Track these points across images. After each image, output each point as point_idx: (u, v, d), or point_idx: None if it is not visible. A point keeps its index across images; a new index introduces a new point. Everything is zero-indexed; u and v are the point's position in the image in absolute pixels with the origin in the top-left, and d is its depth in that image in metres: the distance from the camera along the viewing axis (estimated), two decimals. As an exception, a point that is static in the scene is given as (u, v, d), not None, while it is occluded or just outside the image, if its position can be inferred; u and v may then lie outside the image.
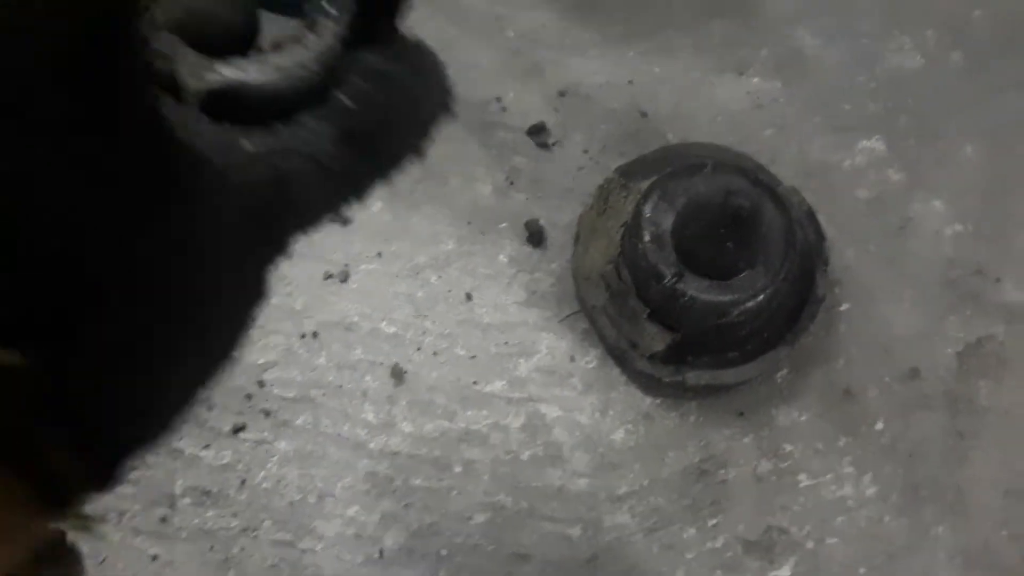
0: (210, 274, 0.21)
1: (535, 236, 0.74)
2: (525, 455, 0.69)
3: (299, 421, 0.68)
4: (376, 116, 0.23)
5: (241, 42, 0.24)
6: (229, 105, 0.22)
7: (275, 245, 0.23)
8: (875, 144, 0.76)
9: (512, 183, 0.75)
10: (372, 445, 0.68)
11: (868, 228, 0.74)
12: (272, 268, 0.23)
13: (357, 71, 0.23)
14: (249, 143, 0.22)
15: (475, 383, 0.72)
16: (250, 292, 0.23)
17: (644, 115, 0.78)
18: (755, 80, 0.79)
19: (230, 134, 0.22)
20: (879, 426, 0.70)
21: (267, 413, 0.68)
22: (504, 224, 0.74)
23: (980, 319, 0.72)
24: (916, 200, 0.75)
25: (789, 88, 0.78)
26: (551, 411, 0.70)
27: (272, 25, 0.25)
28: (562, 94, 0.79)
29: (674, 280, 0.63)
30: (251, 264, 0.23)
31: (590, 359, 0.72)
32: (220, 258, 0.21)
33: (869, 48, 0.79)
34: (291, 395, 0.69)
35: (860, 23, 0.79)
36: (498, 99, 0.78)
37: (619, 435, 0.70)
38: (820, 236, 0.70)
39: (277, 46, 0.24)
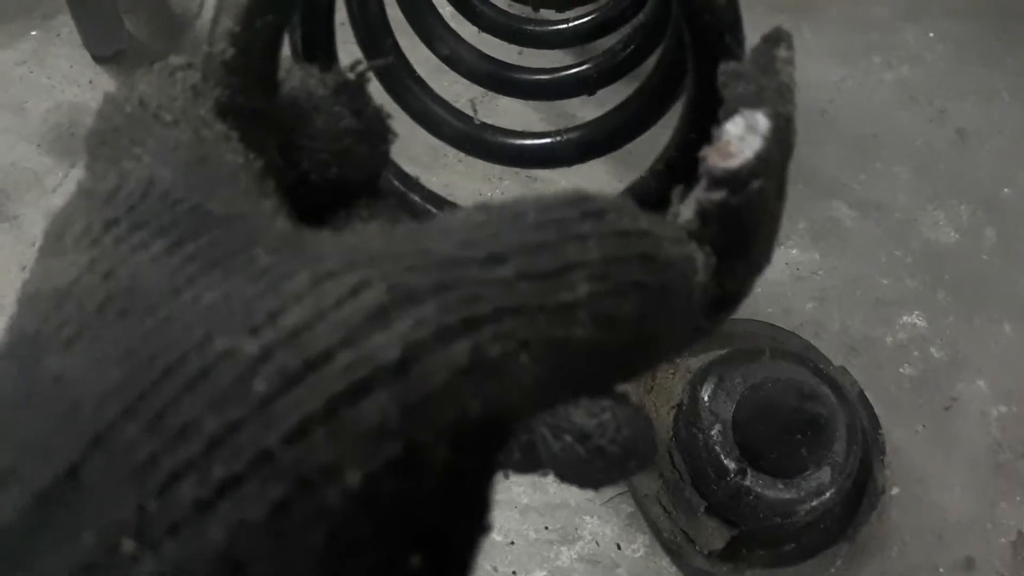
0: None
1: (575, 408, 0.71)
2: (573, 660, 0.64)
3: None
4: (567, 466, 0.21)
5: None
6: None
7: None
8: (916, 320, 0.76)
9: (553, 354, 0.73)
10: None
11: (915, 408, 0.73)
12: None
13: (584, 412, 0.21)
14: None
15: (514, 573, 0.67)
16: None
17: (684, 282, 0.76)
18: (794, 251, 0.78)
19: None
20: (937, 622, 0.67)
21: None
22: (545, 397, 0.71)
23: (1032, 507, 0.70)
24: (960, 379, 0.74)
25: (827, 260, 0.78)
26: (597, 606, 0.66)
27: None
28: (599, 257, 0.77)
29: (739, 477, 0.60)
30: None
31: (637, 547, 0.68)
32: None
33: (904, 221, 0.79)
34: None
35: (895, 195, 0.80)
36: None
37: (670, 634, 0.65)
38: (875, 422, 0.68)
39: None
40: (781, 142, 0.17)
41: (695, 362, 0.67)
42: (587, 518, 0.68)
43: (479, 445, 0.13)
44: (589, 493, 0.69)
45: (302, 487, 0.12)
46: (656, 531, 0.66)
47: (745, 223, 0.18)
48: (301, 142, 0.21)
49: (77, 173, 0.78)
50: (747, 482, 0.60)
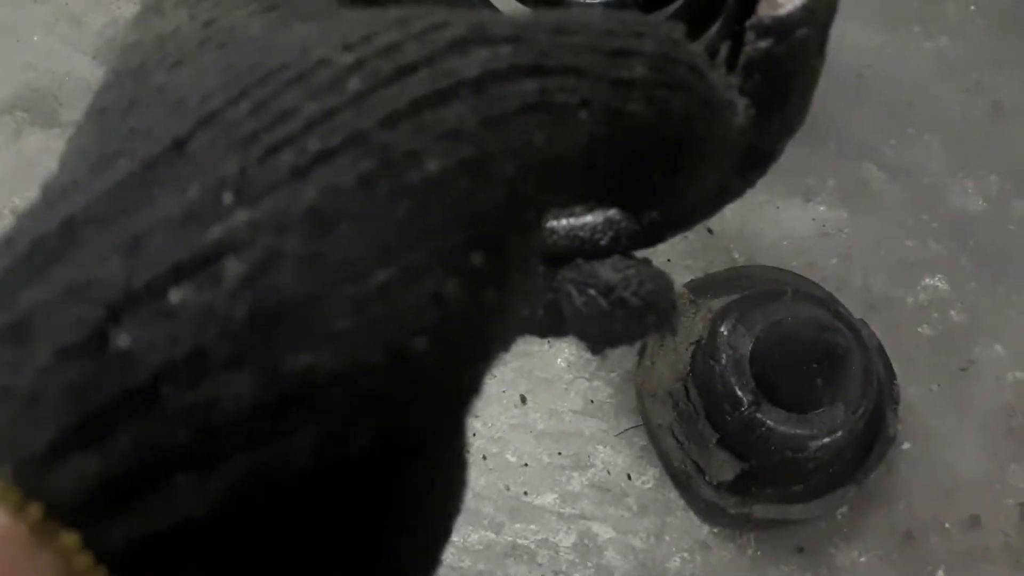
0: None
1: (595, 344, 0.72)
2: (577, 578, 0.65)
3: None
4: (589, 321, 0.22)
5: None
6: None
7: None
8: (938, 283, 0.76)
9: (577, 288, 0.74)
10: (417, 554, 0.64)
11: (931, 367, 0.74)
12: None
13: (610, 267, 0.22)
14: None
15: (525, 494, 0.68)
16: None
17: (710, 232, 0.77)
18: (821, 208, 0.79)
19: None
20: (939, 574, 0.68)
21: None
22: (566, 329, 0.72)
23: (1042, 471, 0.71)
24: (978, 343, 0.75)
25: (855, 219, 0.79)
26: (604, 531, 0.67)
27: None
28: (628, 202, 0.78)
29: (752, 409, 0.61)
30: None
31: (647, 479, 0.69)
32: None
33: (933, 187, 0.80)
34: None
35: (926, 162, 0.81)
36: (564, 201, 0.78)
37: (674, 563, 0.66)
38: (891, 373, 0.69)
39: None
40: None
41: (717, 303, 0.69)
42: (600, 447, 0.70)
43: (540, 179, 0.15)
44: (604, 424, 0.70)
45: (387, 165, 0.13)
46: (667, 461, 0.67)
47: (786, 73, 0.19)
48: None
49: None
50: (760, 415, 0.62)
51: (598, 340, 0.22)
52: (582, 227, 0.22)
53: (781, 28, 0.18)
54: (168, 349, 0.12)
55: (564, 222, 0.22)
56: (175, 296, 0.12)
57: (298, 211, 0.13)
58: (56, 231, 0.13)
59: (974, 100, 0.83)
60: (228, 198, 0.13)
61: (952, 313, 0.76)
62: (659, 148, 0.17)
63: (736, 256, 0.77)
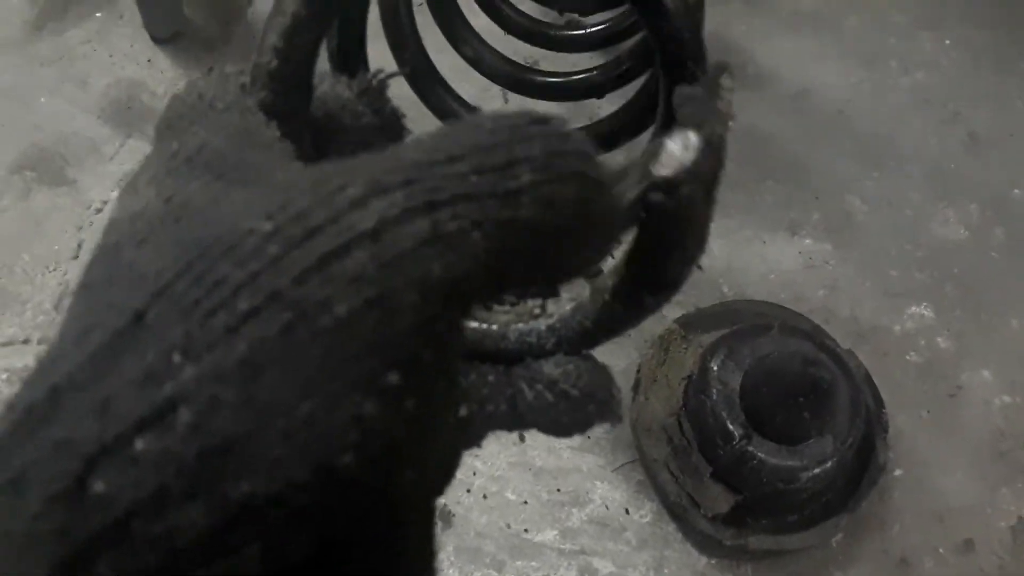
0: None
1: (590, 381, 0.74)
2: (579, 613, 0.67)
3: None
4: (540, 413, 0.24)
5: None
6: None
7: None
8: (924, 311, 0.78)
9: (571, 327, 0.76)
10: (421, 594, 0.66)
11: (920, 394, 0.75)
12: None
13: (553, 364, 0.24)
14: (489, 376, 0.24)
15: (525, 531, 0.70)
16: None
17: (699, 267, 0.79)
18: (807, 241, 0.81)
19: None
20: (935, 600, 0.69)
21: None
22: (562, 368, 0.74)
23: (1033, 494, 0.72)
24: (965, 369, 0.76)
25: (840, 251, 0.81)
26: (604, 566, 0.68)
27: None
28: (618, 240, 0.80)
29: (743, 442, 0.63)
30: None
31: (644, 512, 0.70)
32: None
33: (915, 217, 0.82)
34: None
35: (907, 193, 0.83)
36: (556, 241, 0.80)
37: (674, 596, 0.68)
38: (879, 402, 0.70)
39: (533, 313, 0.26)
40: (711, 158, 0.20)
41: (707, 337, 0.71)
42: (598, 483, 0.71)
43: (445, 299, 0.17)
44: (601, 459, 0.72)
45: (302, 315, 0.16)
46: (663, 495, 0.68)
47: (679, 221, 0.21)
48: (330, 135, 0.26)
49: (133, 143, 0.83)
50: (751, 447, 0.63)
51: (550, 430, 0.24)
52: (529, 333, 0.25)
53: (668, 186, 0.20)
54: (136, 489, 0.15)
55: (515, 328, 0.25)
56: (139, 444, 0.15)
57: (232, 363, 0.15)
58: (43, 397, 0.16)
59: (951, 131, 0.86)
60: (177, 358, 0.15)
61: (939, 340, 0.78)
62: (555, 231, 0.18)
63: (725, 290, 0.79)
